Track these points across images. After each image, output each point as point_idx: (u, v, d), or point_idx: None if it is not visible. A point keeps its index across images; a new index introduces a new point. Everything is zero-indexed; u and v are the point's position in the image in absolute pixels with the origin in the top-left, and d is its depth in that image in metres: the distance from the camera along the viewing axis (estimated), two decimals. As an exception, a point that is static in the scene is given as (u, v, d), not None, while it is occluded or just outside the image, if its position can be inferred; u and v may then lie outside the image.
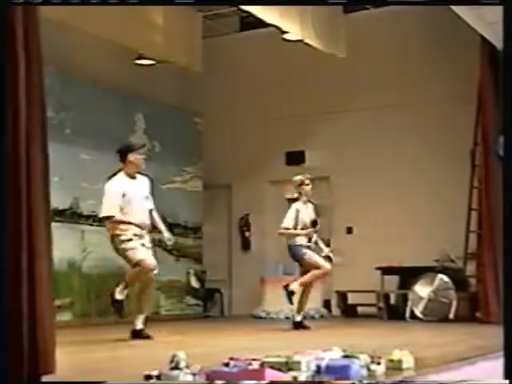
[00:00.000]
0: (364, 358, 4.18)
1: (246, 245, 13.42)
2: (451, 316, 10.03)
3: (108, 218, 7.21)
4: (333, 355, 4.23)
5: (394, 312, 10.99)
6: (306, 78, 12.68)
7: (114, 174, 7.34)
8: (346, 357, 4.22)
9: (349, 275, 11.23)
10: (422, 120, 11.86)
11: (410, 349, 4.60)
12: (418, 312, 10.38)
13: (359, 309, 11.82)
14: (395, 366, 4.33)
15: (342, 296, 11.96)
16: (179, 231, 11.84)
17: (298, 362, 3.96)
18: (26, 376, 3.79)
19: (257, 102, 13.16)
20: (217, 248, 13.10)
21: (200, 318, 11.93)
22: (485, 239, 9.70)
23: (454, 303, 10.10)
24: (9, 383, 3.70)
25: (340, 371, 3.90)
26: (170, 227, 11.39)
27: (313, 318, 11.30)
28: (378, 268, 11.08)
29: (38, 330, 3.87)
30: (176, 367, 3.78)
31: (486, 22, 9.04)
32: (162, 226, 7.50)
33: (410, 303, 10.53)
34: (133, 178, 7.31)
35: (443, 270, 10.46)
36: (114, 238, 7.21)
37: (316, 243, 8.91)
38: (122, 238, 7.13)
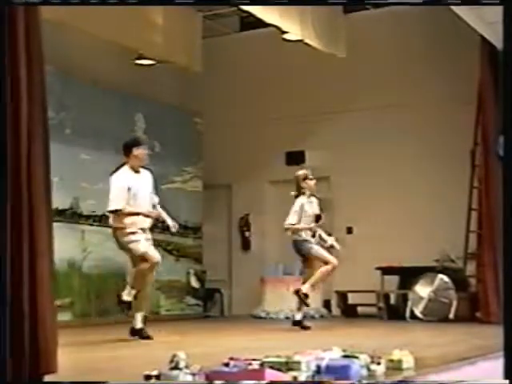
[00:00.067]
0: (364, 358, 4.18)
1: (246, 245, 13.42)
2: (451, 316, 10.03)
3: (112, 211, 7.23)
4: (333, 355, 4.23)
5: (394, 312, 10.99)
6: (305, 78, 12.68)
7: (118, 168, 7.39)
8: (345, 357, 4.23)
9: (349, 275, 11.22)
10: (422, 120, 11.86)
11: (410, 349, 4.61)
12: (418, 312, 10.38)
13: (359, 309, 11.82)
14: (395, 366, 4.34)
15: (342, 296, 11.95)
16: (179, 231, 11.84)
17: (298, 362, 3.96)
18: (27, 376, 3.79)
19: (257, 102, 13.16)
20: (217, 248, 13.10)
21: (200, 318, 11.93)
22: (485, 239, 9.70)
23: (454, 303, 10.10)
24: (10, 383, 3.70)
25: (340, 371, 3.90)
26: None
27: (313, 317, 11.30)
28: (377, 268, 11.08)
29: (40, 329, 3.87)
30: (176, 367, 3.78)
31: (486, 22, 9.04)
32: (165, 215, 7.56)
33: (410, 303, 10.53)
34: (137, 172, 7.38)
35: (443, 270, 10.46)
36: (117, 231, 7.23)
37: (320, 236, 8.89)
38: (126, 230, 7.15)
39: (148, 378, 3.76)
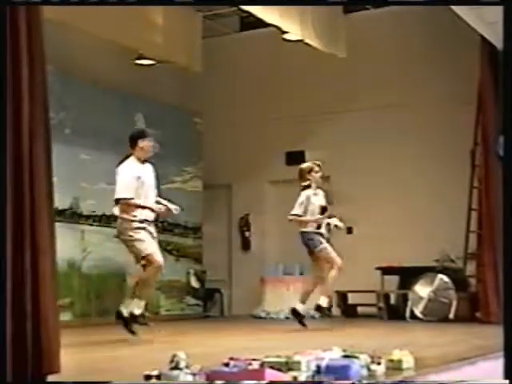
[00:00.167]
0: (364, 358, 4.18)
1: (246, 245, 13.42)
2: (451, 316, 10.03)
3: (122, 200, 7.18)
4: (333, 355, 4.23)
5: (394, 312, 10.99)
6: (305, 78, 12.68)
7: (124, 160, 7.37)
8: (346, 357, 4.22)
9: (349, 275, 11.20)
10: (422, 120, 11.86)
11: (410, 349, 4.60)
12: (417, 312, 10.38)
13: (359, 309, 11.82)
14: (395, 366, 4.33)
15: (342, 296, 11.95)
16: (179, 231, 11.86)
17: (298, 362, 3.96)
18: (30, 376, 3.79)
19: (257, 102, 13.16)
20: (217, 248, 13.10)
21: (200, 318, 11.93)
22: (485, 239, 9.69)
23: (454, 303, 10.10)
24: (13, 383, 3.70)
25: (340, 371, 3.90)
26: (170, 227, 11.50)
27: (313, 317, 11.29)
28: (377, 268, 11.08)
29: (42, 329, 3.86)
30: (176, 367, 3.78)
31: (486, 22, 9.04)
32: (166, 202, 7.54)
33: (410, 303, 10.53)
34: (142, 163, 7.40)
35: (443, 270, 10.46)
36: (124, 223, 7.18)
37: (328, 224, 8.85)
38: (133, 224, 7.12)
39: (148, 377, 3.76)
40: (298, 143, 12.75)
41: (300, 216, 8.72)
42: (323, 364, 3.97)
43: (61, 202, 9.66)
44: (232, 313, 13.04)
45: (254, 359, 4.01)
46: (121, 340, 7.07)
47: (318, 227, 8.76)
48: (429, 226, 11.37)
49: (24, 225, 3.85)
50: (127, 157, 7.39)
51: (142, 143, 7.35)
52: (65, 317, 9.42)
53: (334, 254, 8.74)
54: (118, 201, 7.22)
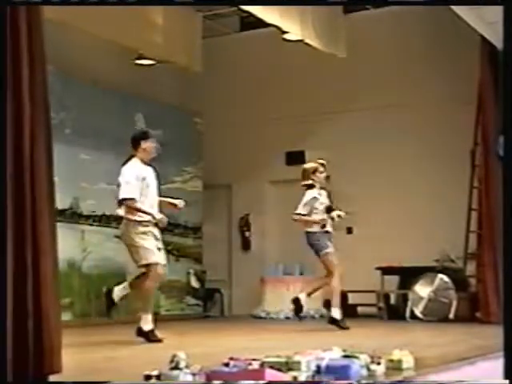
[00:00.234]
0: (364, 358, 4.18)
1: (246, 245, 13.42)
2: (451, 316, 10.03)
3: (127, 200, 7.07)
4: (333, 355, 4.23)
5: (394, 312, 10.99)
6: (305, 78, 12.68)
7: (127, 161, 7.29)
8: (346, 357, 4.23)
9: (349, 275, 11.21)
10: (422, 120, 11.86)
11: (410, 349, 4.61)
12: (418, 312, 10.38)
13: (359, 309, 11.81)
14: (395, 366, 4.34)
15: (342, 296, 11.93)
16: (179, 231, 11.86)
17: (298, 362, 3.96)
18: (31, 376, 3.79)
19: (257, 102, 13.16)
20: (217, 248, 13.10)
21: (200, 318, 11.93)
22: (485, 239, 9.69)
23: (454, 303, 10.10)
24: (14, 383, 3.70)
25: (340, 371, 3.90)
26: (171, 227, 11.48)
27: (313, 317, 11.31)
28: (377, 268, 11.08)
29: (44, 329, 3.86)
30: (176, 367, 3.79)
31: (486, 22, 9.04)
32: (168, 199, 7.54)
33: (410, 303, 10.53)
34: (146, 164, 7.35)
35: (443, 270, 10.46)
36: (129, 226, 7.08)
37: (332, 218, 8.81)
38: (139, 228, 7.04)
39: (148, 378, 3.76)
40: (298, 143, 12.75)
41: (304, 215, 8.68)
42: (323, 364, 3.97)
43: (61, 202, 9.65)
44: (232, 313, 13.04)
45: (254, 359, 4.01)
46: (121, 340, 7.08)
47: (323, 226, 8.71)
48: (429, 226, 11.37)
49: (25, 225, 3.85)
50: (129, 158, 7.30)
51: (144, 144, 7.27)
52: (65, 317, 9.40)
53: (334, 263, 8.66)
54: (122, 201, 7.12)
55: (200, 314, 12.20)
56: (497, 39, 9.17)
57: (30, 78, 3.95)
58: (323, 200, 8.81)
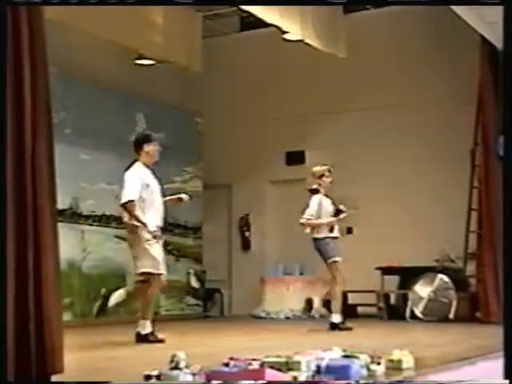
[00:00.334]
0: (364, 358, 4.19)
1: (246, 245, 13.42)
2: (451, 316, 10.04)
3: (127, 203, 6.92)
4: (333, 355, 4.23)
5: (394, 312, 10.99)
6: (305, 78, 12.68)
7: (131, 165, 7.17)
8: (346, 357, 4.23)
9: (349, 275, 11.20)
10: (422, 120, 11.85)
11: (410, 349, 4.61)
12: (418, 312, 10.38)
13: (359, 309, 11.80)
14: (395, 366, 4.34)
15: (342, 296, 11.92)
16: (179, 231, 11.85)
17: (298, 362, 3.97)
18: (34, 376, 3.79)
19: (257, 102, 13.16)
20: (217, 248, 13.10)
21: (200, 318, 11.92)
22: (485, 239, 9.70)
23: (454, 303, 10.10)
24: (17, 383, 3.70)
25: (340, 371, 3.90)
26: (171, 227, 11.48)
27: (313, 317, 11.31)
28: (377, 268, 11.08)
29: (46, 329, 3.87)
30: (176, 367, 3.79)
31: (486, 22, 9.04)
32: (172, 197, 7.52)
33: (410, 303, 10.53)
34: (150, 168, 7.23)
35: (443, 270, 10.46)
36: (136, 231, 6.93)
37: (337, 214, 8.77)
38: (145, 235, 6.92)
39: (148, 378, 3.76)
40: (298, 143, 12.75)
41: (312, 220, 8.62)
42: (323, 364, 3.97)
43: (61, 202, 9.61)
44: (232, 313, 13.04)
45: (254, 359, 4.02)
46: (121, 340, 7.07)
47: (331, 230, 8.66)
48: (429, 226, 11.37)
49: (27, 225, 3.86)
50: (132, 163, 7.17)
51: (147, 148, 7.16)
52: (65, 317, 9.38)
53: (339, 272, 8.68)
54: (125, 204, 6.95)
55: (200, 314, 12.20)
56: (497, 39, 9.17)
57: (31, 79, 3.94)
58: (328, 205, 8.76)
